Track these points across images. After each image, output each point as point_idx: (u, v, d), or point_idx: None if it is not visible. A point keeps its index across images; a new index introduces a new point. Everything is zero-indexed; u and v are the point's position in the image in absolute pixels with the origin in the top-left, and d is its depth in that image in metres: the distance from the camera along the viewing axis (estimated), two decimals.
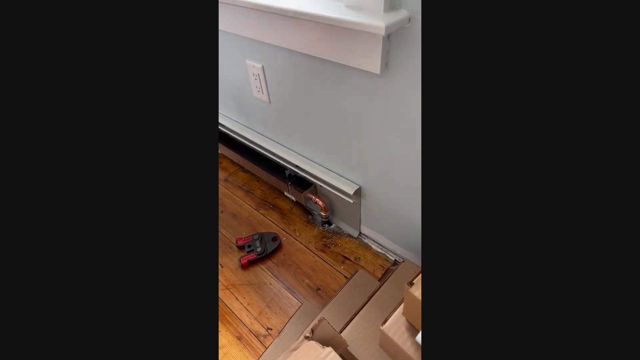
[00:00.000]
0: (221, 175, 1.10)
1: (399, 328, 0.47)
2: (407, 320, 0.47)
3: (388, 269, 0.81)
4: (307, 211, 0.96)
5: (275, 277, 0.82)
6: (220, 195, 1.03)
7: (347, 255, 0.85)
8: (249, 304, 0.78)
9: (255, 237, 0.88)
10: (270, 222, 0.95)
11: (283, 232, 0.92)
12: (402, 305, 0.48)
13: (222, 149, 1.10)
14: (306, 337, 0.54)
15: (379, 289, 0.70)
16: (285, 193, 0.99)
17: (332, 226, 0.92)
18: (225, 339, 0.73)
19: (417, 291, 0.43)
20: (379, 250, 0.85)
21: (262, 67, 0.76)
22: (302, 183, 0.90)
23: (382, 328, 0.48)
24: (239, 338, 0.73)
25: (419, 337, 0.46)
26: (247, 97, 0.89)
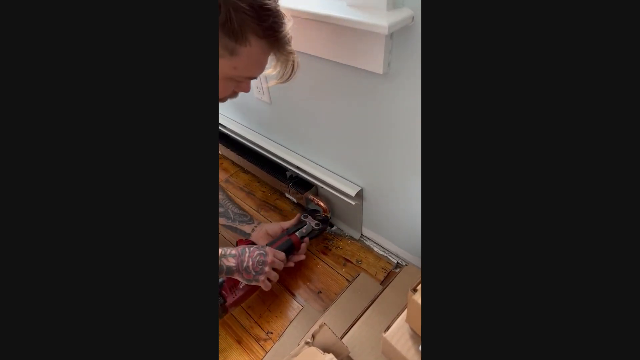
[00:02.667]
0: (222, 176, 1.09)
1: (402, 335, 0.46)
2: (411, 328, 0.46)
3: (390, 271, 0.80)
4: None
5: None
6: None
7: (348, 258, 0.84)
8: (249, 307, 0.77)
9: None
10: None
11: None
12: (405, 312, 0.47)
13: (223, 150, 1.09)
14: (307, 343, 0.53)
15: (381, 293, 0.69)
16: (286, 194, 0.98)
17: (333, 228, 0.91)
18: (225, 342, 0.72)
19: (420, 298, 0.42)
20: (381, 252, 0.84)
21: None
22: (303, 184, 0.89)
23: (384, 335, 0.47)
24: (239, 342, 0.72)
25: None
26: (248, 97, 0.88)
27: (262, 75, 0.76)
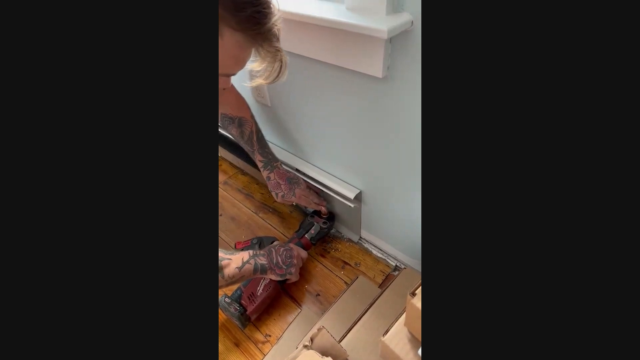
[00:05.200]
0: (220, 178, 1.09)
1: (401, 339, 0.46)
2: (409, 332, 0.46)
3: (389, 274, 0.80)
4: (307, 215, 0.95)
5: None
6: (219, 199, 1.02)
7: (347, 261, 0.84)
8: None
9: (255, 242, 0.87)
10: (269, 226, 0.94)
11: (283, 236, 0.90)
12: (403, 316, 0.47)
13: (222, 152, 1.09)
14: (305, 346, 0.53)
15: (379, 296, 0.69)
16: None
17: (332, 230, 0.91)
18: (223, 345, 0.71)
19: (419, 302, 0.42)
20: (380, 255, 0.84)
21: None
22: None
23: (383, 339, 0.47)
24: (237, 345, 0.71)
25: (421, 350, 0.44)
26: (248, 100, 0.88)
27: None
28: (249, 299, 0.72)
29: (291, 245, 0.77)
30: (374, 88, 0.57)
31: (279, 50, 0.44)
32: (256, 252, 0.70)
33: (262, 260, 0.69)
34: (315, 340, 0.52)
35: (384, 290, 0.70)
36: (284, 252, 0.73)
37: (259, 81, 0.49)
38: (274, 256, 0.72)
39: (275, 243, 0.77)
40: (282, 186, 0.80)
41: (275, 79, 0.48)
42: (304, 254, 0.79)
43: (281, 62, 0.46)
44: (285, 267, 0.72)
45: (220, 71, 0.42)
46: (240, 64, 0.43)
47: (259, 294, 0.73)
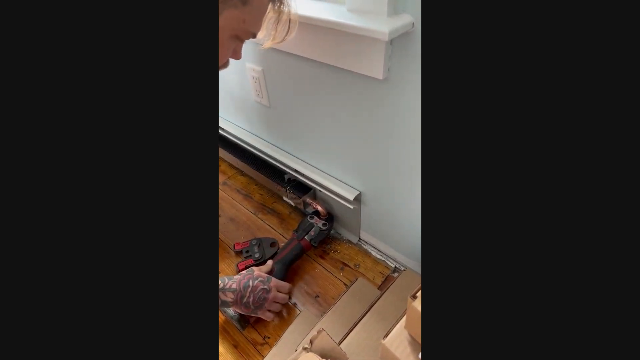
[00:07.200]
0: (220, 178, 1.09)
1: (402, 342, 0.46)
2: (410, 335, 0.46)
3: (388, 276, 0.80)
4: (306, 216, 0.95)
5: None
6: (218, 200, 1.02)
7: (346, 262, 0.84)
8: None
9: (254, 243, 0.87)
10: (268, 227, 0.93)
11: (282, 237, 0.90)
12: (404, 319, 0.47)
13: (221, 152, 1.09)
14: (305, 349, 0.52)
15: (379, 298, 0.68)
16: (284, 198, 0.98)
17: (331, 232, 0.91)
18: (221, 347, 0.71)
19: (420, 305, 0.42)
20: (379, 256, 0.84)
21: (263, 70, 0.75)
22: (301, 188, 0.88)
23: (383, 342, 0.47)
24: (236, 346, 0.71)
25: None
26: (247, 100, 0.88)
27: (261, 79, 0.76)
28: None
29: (272, 284, 0.71)
30: (375, 89, 0.57)
31: (288, 5, 0.48)
32: (225, 286, 0.66)
33: (227, 298, 0.65)
34: (315, 343, 0.52)
35: (384, 292, 0.70)
36: (260, 292, 0.68)
37: (269, 44, 0.53)
38: (247, 294, 0.67)
39: (258, 276, 0.70)
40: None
41: (285, 36, 0.51)
42: (285, 289, 0.74)
43: (289, 17, 0.49)
44: (252, 308, 0.68)
45: (252, 29, 0.44)
46: (261, 22, 0.46)
47: None
